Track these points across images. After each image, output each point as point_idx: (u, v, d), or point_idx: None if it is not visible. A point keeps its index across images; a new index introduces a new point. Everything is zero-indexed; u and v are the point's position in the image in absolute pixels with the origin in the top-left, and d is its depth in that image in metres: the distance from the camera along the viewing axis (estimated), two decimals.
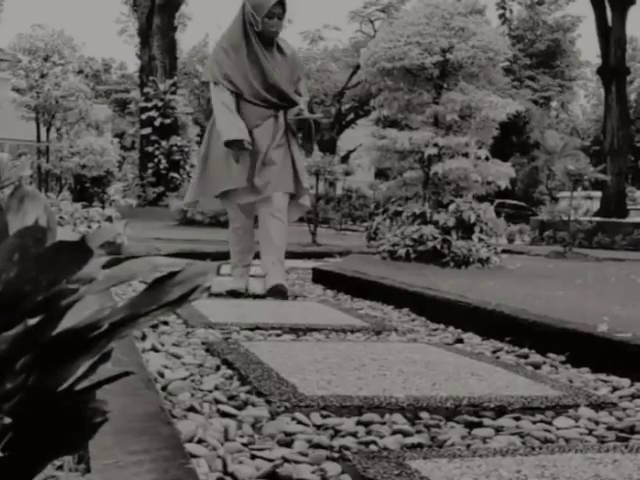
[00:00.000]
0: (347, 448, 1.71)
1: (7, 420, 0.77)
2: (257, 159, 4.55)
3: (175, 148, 26.14)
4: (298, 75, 4.82)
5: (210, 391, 2.19)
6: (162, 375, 2.35)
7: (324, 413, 1.98)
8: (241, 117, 4.56)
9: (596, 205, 21.00)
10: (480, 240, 6.77)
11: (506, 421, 2.00)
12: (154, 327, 3.27)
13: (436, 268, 6.22)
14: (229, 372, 2.44)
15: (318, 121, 4.86)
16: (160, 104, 26.13)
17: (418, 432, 1.88)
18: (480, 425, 1.95)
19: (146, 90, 26.41)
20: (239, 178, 4.53)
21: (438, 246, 6.61)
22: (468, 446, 1.77)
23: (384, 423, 1.93)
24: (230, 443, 1.73)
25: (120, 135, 34.14)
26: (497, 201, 23.90)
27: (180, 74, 29.29)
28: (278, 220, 4.59)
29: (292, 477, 1.55)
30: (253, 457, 1.65)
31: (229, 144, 4.47)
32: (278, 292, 4.48)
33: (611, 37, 22.54)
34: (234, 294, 4.59)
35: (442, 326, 3.76)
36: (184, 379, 2.32)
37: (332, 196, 26.10)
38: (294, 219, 4.94)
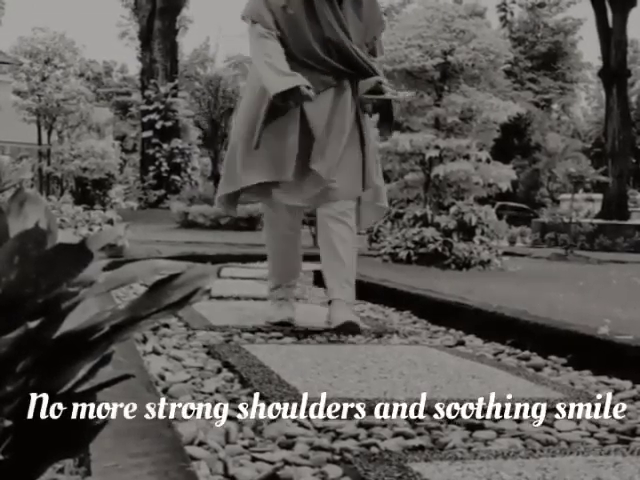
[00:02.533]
0: (348, 450, 1.71)
1: (8, 423, 0.77)
2: (312, 145, 3.31)
3: (176, 151, 26.18)
4: (374, 34, 3.58)
5: (211, 394, 2.19)
6: (163, 378, 2.35)
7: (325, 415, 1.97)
8: None
9: (597, 207, 21.00)
10: (481, 242, 6.77)
11: (507, 423, 1.99)
12: (155, 330, 3.27)
13: (437, 270, 6.22)
14: (230, 375, 2.44)
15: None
16: (161, 107, 26.18)
17: (419, 434, 1.87)
18: (481, 427, 1.95)
19: (147, 93, 26.47)
20: (284, 168, 3.30)
21: (439, 248, 6.62)
22: (469, 448, 1.77)
23: (385, 425, 1.93)
24: (231, 446, 1.72)
25: (121, 138, 34.21)
26: (498, 203, 23.91)
27: (181, 77, 29.34)
28: (343, 225, 3.45)
29: None
30: (254, 459, 1.65)
31: (283, 98, 3.21)
32: (348, 330, 3.31)
33: (612, 39, 22.57)
34: (283, 325, 3.48)
35: (443, 328, 3.75)
36: (185, 382, 2.32)
37: None
38: (369, 225, 3.89)
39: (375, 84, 3.39)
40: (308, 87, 3.14)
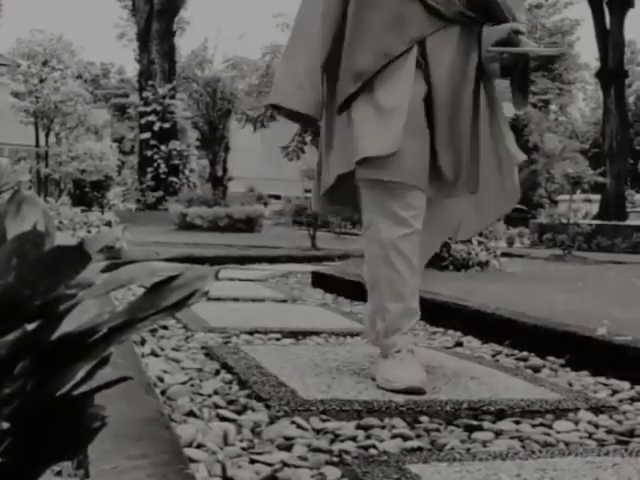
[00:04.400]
0: (347, 452, 1.71)
1: (6, 425, 0.77)
2: (436, 99, 2.32)
3: (174, 152, 26.17)
4: None
5: (209, 395, 2.19)
6: (161, 379, 2.35)
7: (324, 417, 1.97)
8: (388, 21, 2.29)
9: (595, 208, 21.03)
10: (479, 243, 6.77)
11: (506, 424, 1.99)
12: (153, 331, 3.27)
13: (435, 271, 6.22)
14: (228, 376, 2.43)
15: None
16: (159, 108, 26.16)
17: (418, 436, 1.87)
18: (480, 429, 1.95)
19: (145, 94, 26.45)
20: (392, 136, 2.23)
21: (437, 249, 6.60)
22: (468, 450, 1.77)
23: (384, 427, 1.93)
24: (229, 447, 1.72)
25: (119, 140, 34.20)
26: None
27: (179, 78, 29.35)
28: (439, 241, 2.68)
29: None
30: (252, 461, 1.65)
31: (277, 108, 2.47)
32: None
33: (609, 40, 22.60)
34: (414, 392, 2.18)
35: (442, 330, 3.75)
36: (183, 383, 2.32)
37: None
38: (501, 214, 2.79)
39: (507, 34, 2.32)
40: (317, 126, 2.37)
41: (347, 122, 2.33)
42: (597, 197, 22.32)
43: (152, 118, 26.13)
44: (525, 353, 3.06)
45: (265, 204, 29.16)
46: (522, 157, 2.55)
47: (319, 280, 6.02)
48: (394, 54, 2.27)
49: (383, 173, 2.26)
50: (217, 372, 2.52)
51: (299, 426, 1.90)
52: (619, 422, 2.07)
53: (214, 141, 30.09)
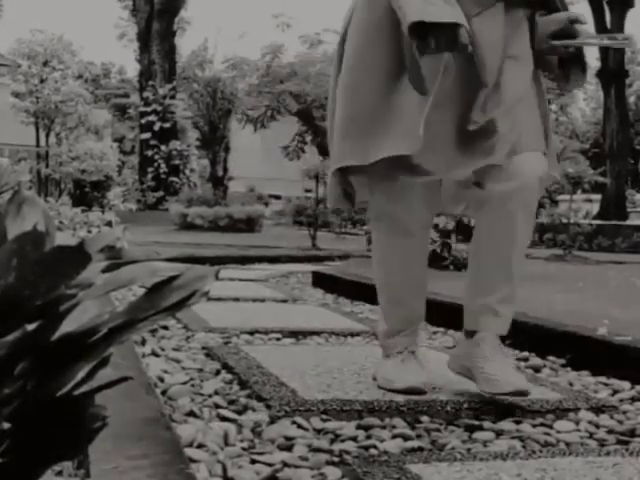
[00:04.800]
0: (347, 452, 1.71)
1: (6, 425, 0.77)
2: (481, 81, 2.08)
3: (175, 152, 26.18)
4: None
5: (210, 395, 2.19)
6: (162, 380, 2.35)
7: (324, 417, 1.97)
8: None
9: (596, 208, 21.02)
10: None
11: (506, 424, 1.99)
12: (153, 332, 3.27)
13: (436, 271, 6.22)
14: (229, 376, 2.43)
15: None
16: (159, 108, 26.18)
17: (418, 436, 1.87)
18: (480, 428, 1.95)
19: (145, 94, 26.47)
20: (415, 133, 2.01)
21: (438, 249, 6.61)
22: (468, 450, 1.77)
23: (384, 427, 1.93)
24: (230, 447, 1.72)
25: (119, 140, 34.20)
26: None
27: (179, 78, 29.33)
28: (524, 212, 2.24)
29: None
30: (253, 462, 1.64)
31: (421, 37, 1.91)
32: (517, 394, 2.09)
33: None
34: (414, 392, 2.18)
35: (442, 330, 3.75)
36: (184, 383, 2.32)
37: None
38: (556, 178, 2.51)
39: (565, 25, 2.18)
40: (469, 34, 1.93)
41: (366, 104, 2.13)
42: (597, 197, 22.31)
43: (152, 118, 26.14)
44: (525, 353, 3.06)
45: (265, 204, 29.16)
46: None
47: (319, 280, 6.02)
48: None
49: (391, 177, 2.19)
50: (217, 372, 2.52)
51: (300, 426, 1.90)
52: (620, 422, 2.07)
53: (214, 141, 30.11)
